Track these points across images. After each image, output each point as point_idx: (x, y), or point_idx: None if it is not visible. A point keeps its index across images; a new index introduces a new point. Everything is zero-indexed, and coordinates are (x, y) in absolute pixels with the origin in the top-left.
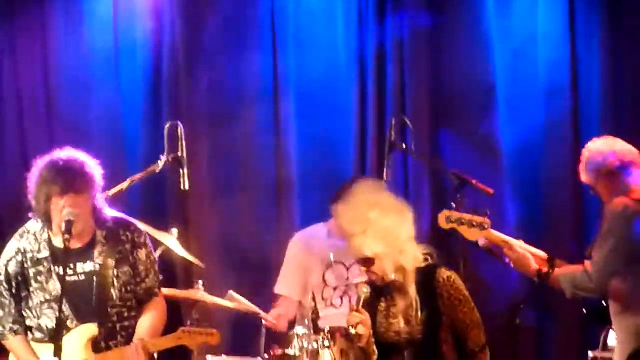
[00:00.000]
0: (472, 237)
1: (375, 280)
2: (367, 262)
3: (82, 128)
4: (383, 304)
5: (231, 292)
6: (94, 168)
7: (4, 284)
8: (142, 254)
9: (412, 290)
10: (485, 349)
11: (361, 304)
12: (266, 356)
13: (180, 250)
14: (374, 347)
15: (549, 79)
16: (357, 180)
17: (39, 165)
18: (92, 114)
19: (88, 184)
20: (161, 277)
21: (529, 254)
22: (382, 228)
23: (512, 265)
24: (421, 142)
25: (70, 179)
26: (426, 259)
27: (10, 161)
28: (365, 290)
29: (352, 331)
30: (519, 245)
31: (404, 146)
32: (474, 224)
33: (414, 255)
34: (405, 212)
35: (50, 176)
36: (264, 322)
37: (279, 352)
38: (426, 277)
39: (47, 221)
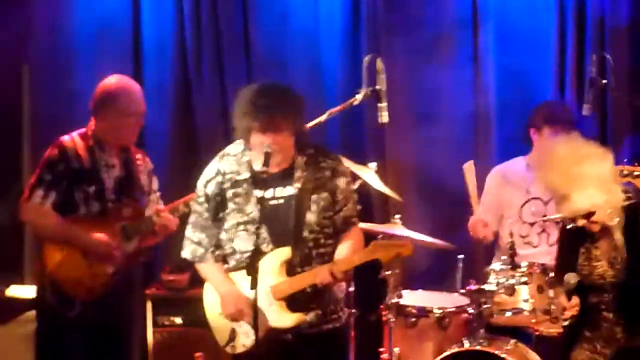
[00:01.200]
0: None
1: (597, 230)
2: (589, 216)
3: (280, 61)
4: (585, 247)
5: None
6: (297, 104)
7: (204, 204)
8: (341, 182)
9: (618, 232)
10: None
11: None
12: (462, 291)
13: (377, 184)
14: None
15: None
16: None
17: (246, 94)
18: (290, 47)
19: (289, 122)
20: (359, 208)
21: None
22: (594, 177)
23: None
24: (621, 78)
25: (271, 118)
26: (628, 197)
27: (208, 92)
28: (573, 281)
29: (565, 323)
30: None
31: (604, 82)
32: None
33: (619, 194)
34: (604, 152)
35: (252, 111)
36: (460, 256)
37: (476, 287)
38: (631, 217)
39: (248, 145)
